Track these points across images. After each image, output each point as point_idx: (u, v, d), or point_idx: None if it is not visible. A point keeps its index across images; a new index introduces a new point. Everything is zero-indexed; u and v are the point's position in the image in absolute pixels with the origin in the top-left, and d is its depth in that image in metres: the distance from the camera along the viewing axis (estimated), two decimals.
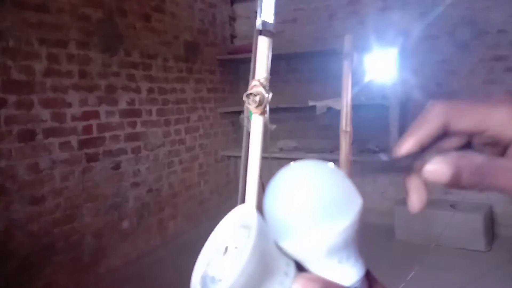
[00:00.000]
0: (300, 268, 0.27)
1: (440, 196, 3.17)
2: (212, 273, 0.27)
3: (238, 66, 4.03)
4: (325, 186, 0.26)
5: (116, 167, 2.68)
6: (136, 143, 2.85)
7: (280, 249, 0.26)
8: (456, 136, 0.29)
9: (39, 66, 2.19)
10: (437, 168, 0.25)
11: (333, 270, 0.26)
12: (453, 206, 2.95)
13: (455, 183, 0.25)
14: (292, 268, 0.26)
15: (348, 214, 0.26)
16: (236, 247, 0.27)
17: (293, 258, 0.27)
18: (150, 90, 2.97)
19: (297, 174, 0.28)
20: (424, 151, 0.28)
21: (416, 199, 0.28)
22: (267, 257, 0.25)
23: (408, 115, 3.35)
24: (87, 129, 2.47)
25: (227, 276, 0.24)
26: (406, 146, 0.29)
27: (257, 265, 0.24)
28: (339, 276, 0.26)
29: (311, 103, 3.32)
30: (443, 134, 0.29)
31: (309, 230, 0.25)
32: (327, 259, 0.26)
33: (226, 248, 0.27)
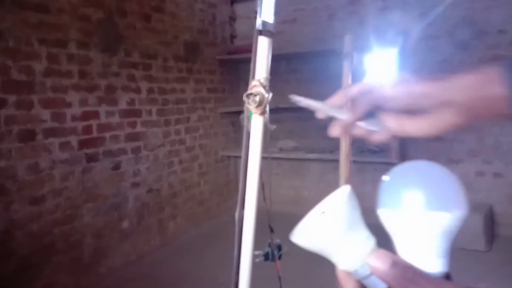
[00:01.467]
0: None
1: None
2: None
3: (238, 66, 4.03)
4: (445, 186, 0.31)
5: (116, 167, 2.68)
6: (136, 143, 2.85)
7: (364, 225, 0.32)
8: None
9: (39, 66, 2.19)
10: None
11: (417, 254, 0.30)
12: None
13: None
14: (372, 241, 0.31)
15: (449, 216, 0.29)
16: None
17: (390, 226, 0.32)
18: (150, 90, 2.97)
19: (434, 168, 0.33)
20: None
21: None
22: (354, 215, 0.31)
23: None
24: (87, 129, 2.47)
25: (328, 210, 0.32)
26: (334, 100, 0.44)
27: (347, 216, 0.31)
28: (421, 263, 0.30)
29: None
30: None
31: (418, 210, 0.30)
32: (418, 242, 0.30)
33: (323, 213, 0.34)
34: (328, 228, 0.30)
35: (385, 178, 0.32)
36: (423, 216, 0.29)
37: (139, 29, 2.86)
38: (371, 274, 0.29)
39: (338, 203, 0.31)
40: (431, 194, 0.29)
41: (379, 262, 0.28)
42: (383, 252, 0.29)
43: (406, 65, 3.12)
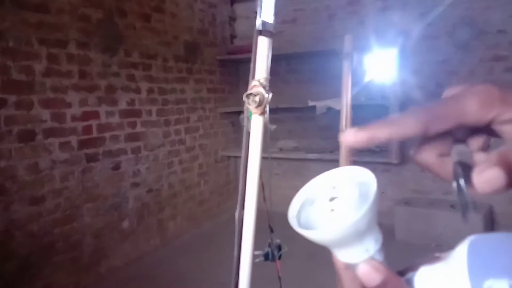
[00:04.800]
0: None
1: (440, 196, 3.17)
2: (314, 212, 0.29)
3: (238, 66, 4.03)
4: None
5: (116, 167, 2.68)
6: (136, 143, 2.85)
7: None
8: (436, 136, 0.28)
9: (39, 66, 2.19)
10: (489, 175, 0.24)
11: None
12: (453, 206, 2.95)
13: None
14: (378, 243, 0.28)
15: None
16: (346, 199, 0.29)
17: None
18: (150, 90, 2.98)
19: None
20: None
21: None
22: (374, 212, 0.27)
23: None
24: (87, 129, 2.47)
25: (348, 214, 0.27)
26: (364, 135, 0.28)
27: (367, 219, 0.26)
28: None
29: (311, 103, 3.31)
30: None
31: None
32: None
33: (333, 199, 0.29)
34: (345, 232, 0.26)
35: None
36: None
37: (139, 29, 2.86)
38: None
39: (365, 208, 0.26)
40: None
41: (368, 277, 0.26)
42: (376, 265, 0.27)
43: (406, 65, 3.12)
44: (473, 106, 0.26)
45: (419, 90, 3.21)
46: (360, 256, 0.28)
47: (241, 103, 0.80)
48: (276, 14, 0.75)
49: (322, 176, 0.31)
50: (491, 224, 3.01)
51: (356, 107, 1.47)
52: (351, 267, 0.28)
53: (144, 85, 2.91)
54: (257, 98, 0.72)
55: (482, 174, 0.24)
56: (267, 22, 0.73)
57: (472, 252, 0.24)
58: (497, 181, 0.24)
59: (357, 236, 0.27)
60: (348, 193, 0.29)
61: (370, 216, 0.27)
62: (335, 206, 0.29)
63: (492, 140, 0.30)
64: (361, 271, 0.27)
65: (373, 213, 0.27)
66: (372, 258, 0.27)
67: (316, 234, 0.27)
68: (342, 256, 0.28)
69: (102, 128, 2.57)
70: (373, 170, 0.29)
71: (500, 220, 3.09)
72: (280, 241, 1.10)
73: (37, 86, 2.18)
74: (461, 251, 0.24)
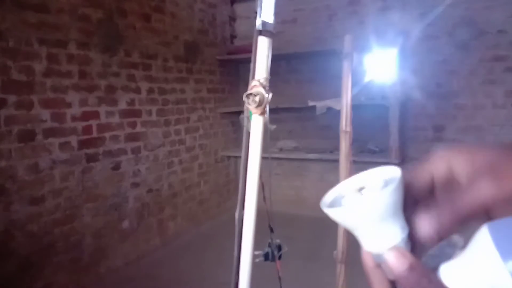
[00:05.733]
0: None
1: None
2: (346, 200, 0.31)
3: (238, 66, 4.03)
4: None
5: (116, 167, 2.68)
6: (136, 143, 2.85)
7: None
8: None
9: (39, 66, 2.19)
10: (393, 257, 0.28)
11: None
12: None
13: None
14: (405, 232, 0.29)
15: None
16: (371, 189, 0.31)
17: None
18: (150, 90, 2.98)
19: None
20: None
21: None
22: (399, 201, 0.29)
23: (408, 115, 3.36)
24: (87, 129, 2.47)
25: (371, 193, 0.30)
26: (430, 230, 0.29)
27: (392, 201, 0.28)
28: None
29: (311, 103, 3.32)
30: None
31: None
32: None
33: (361, 189, 0.31)
34: (370, 211, 0.28)
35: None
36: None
37: (139, 29, 2.86)
38: None
39: (389, 188, 0.28)
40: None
41: (396, 262, 0.27)
42: (403, 251, 0.28)
43: (406, 65, 3.12)
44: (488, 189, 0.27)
45: (419, 90, 3.22)
46: (387, 242, 0.28)
47: (241, 103, 0.80)
48: (276, 14, 0.75)
49: (352, 178, 0.33)
50: None
51: (356, 107, 1.47)
52: (379, 260, 0.29)
53: (144, 85, 2.91)
54: (257, 98, 0.72)
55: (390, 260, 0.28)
56: (267, 22, 0.73)
57: (495, 235, 0.25)
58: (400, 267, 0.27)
59: (384, 218, 0.28)
60: (375, 184, 0.31)
61: (396, 198, 0.28)
62: (363, 192, 0.31)
63: None
64: (390, 256, 0.27)
65: (398, 198, 0.28)
66: (399, 246, 0.28)
67: (346, 211, 0.28)
68: (370, 244, 0.29)
69: (102, 128, 2.58)
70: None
71: None
72: (280, 241, 1.10)
73: (37, 86, 2.18)
74: (483, 237, 0.25)
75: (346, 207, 0.29)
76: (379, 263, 0.29)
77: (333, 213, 0.29)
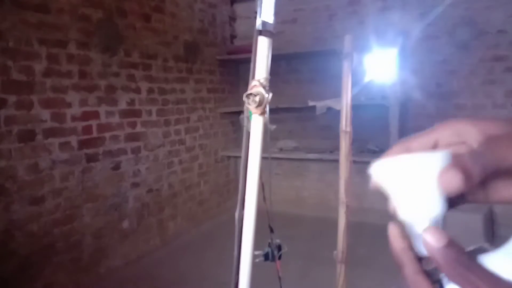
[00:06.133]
0: None
1: None
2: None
3: (238, 66, 4.03)
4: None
5: (116, 167, 2.68)
6: (136, 143, 2.85)
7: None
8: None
9: (39, 66, 2.19)
10: (447, 176, 0.27)
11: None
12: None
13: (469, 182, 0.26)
14: (443, 208, 0.29)
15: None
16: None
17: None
18: (150, 90, 2.98)
19: None
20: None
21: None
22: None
23: (408, 115, 3.36)
24: (87, 129, 2.47)
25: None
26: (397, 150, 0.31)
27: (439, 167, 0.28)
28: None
29: (311, 103, 3.32)
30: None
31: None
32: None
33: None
34: (432, 166, 0.27)
35: None
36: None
37: (139, 29, 2.86)
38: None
39: (440, 156, 0.28)
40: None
41: (434, 238, 0.26)
42: (439, 229, 0.27)
43: (406, 65, 3.12)
44: None
45: (419, 90, 3.22)
46: (428, 211, 0.28)
47: (241, 103, 0.80)
48: (276, 14, 0.75)
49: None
50: (491, 224, 3.01)
51: (356, 107, 1.47)
52: (411, 232, 0.28)
53: (144, 85, 2.91)
54: (257, 98, 0.72)
55: (443, 177, 0.27)
56: (267, 22, 0.73)
57: None
58: (455, 181, 0.26)
59: (434, 184, 0.27)
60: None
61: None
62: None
63: None
64: (428, 230, 0.27)
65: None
66: (437, 219, 0.28)
67: (413, 158, 0.28)
68: (409, 211, 0.28)
69: (102, 128, 2.58)
70: None
71: (500, 220, 3.09)
72: (280, 241, 1.10)
73: (37, 86, 2.18)
74: None
75: (412, 155, 0.29)
76: (409, 246, 0.28)
77: (391, 163, 0.29)
